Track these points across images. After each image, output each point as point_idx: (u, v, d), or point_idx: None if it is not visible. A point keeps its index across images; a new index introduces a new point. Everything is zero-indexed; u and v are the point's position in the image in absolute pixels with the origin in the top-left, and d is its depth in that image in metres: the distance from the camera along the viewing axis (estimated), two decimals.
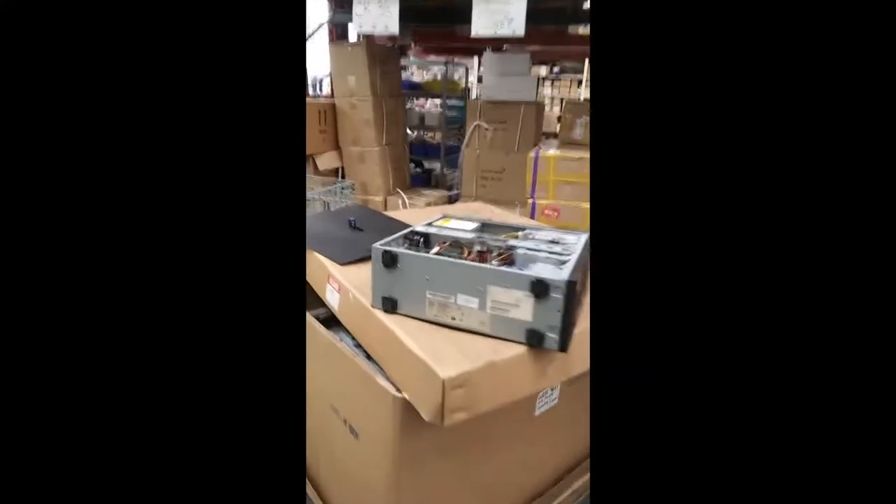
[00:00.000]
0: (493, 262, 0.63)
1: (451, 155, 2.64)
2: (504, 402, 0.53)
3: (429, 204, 2.00)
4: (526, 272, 0.55)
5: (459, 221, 0.78)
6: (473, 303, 0.57)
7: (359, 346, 0.71)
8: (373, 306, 0.64)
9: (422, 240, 0.71)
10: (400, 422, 0.56)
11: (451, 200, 2.08)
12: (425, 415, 0.51)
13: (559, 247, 0.65)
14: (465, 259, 0.64)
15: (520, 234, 0.74)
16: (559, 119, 2.06)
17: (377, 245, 0.62)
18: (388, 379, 0.59)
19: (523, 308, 0.54)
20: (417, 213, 1.16)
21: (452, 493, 0.65)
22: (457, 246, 0.68)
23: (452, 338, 0.57)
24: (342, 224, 0.95)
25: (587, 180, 1.50)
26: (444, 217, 0.80)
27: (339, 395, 0.71)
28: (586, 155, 1.46)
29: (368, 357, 0.67)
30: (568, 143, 1.72)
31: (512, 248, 0.64)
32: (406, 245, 0.69)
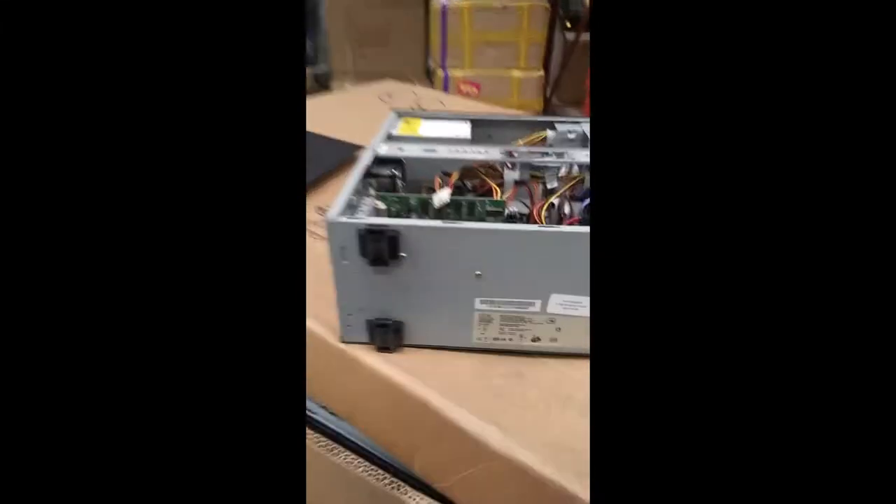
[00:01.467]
0: (559, 199, 0.33)
1: None
2: None
3: None
4: None
5: (434, 122, 0.43)
6: (586, 304, 0.28)
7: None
8: (345, 341, 0.30)
9: (398, 177, 0.35)
10: None
11: (321, 82, 1.53)
12: None
13: None
14: (504, 200, 0.33)
15: (549, 133, 0.43)
16: None
17: (337, 218, 0.26)
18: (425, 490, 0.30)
19: None
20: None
21: None
22: (473, 177, 0.35)
23: (556, 389, 0.28)
24: None
25: (517, 38, 1.15)
26: (404, 118, 0.44)
27: None
28: (511, 3, 1.08)
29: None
30: None
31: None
32: (374, 192, 0.33)
